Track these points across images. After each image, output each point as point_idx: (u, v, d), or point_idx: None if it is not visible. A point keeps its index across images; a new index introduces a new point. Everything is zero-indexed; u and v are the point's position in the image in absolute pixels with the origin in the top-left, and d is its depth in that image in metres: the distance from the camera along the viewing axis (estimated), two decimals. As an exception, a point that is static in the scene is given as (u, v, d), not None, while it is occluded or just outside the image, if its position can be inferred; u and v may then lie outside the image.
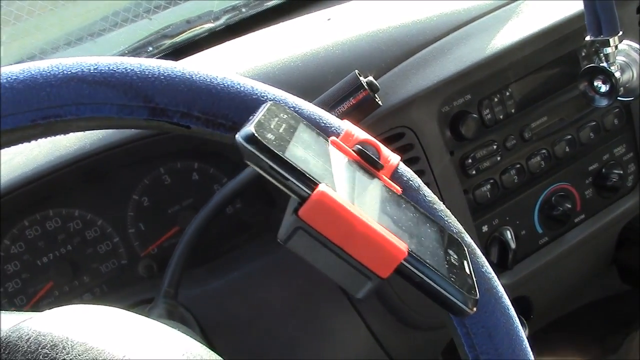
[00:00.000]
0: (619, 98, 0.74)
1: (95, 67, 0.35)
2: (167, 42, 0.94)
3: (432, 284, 0.27)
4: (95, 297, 0.71)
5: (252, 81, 0.37)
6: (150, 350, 0.31)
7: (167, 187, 0.71)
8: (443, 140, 0.75)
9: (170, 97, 0.35)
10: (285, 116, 0.31)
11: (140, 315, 0.35)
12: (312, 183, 0.26)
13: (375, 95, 0.63)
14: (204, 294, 0.70)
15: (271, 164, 0.26)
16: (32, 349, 0.30)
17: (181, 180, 0.72)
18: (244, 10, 0.98)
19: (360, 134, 0.36)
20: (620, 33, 0.71)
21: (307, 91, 0.58)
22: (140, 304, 0.67)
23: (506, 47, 0.75)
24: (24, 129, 0.34)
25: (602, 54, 0.72)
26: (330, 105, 0.61)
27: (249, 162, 0.27)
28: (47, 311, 0.33)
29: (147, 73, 0.35)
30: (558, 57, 0.81)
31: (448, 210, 0.38)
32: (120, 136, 0.66)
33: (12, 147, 0.36)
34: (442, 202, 0.38)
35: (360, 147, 0.33)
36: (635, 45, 0.75)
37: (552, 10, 0.79)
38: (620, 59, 0.74)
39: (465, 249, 0.33)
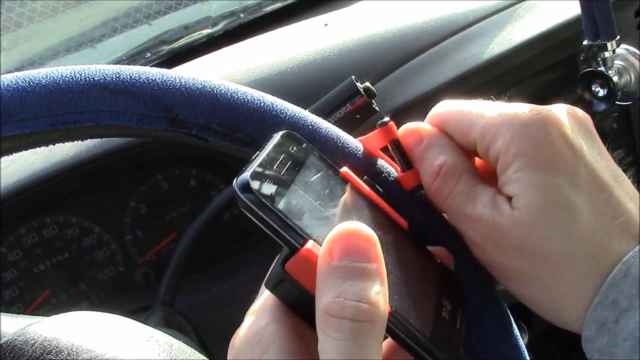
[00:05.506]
0: (617, 102, 0.74)
1: (118, 75, 0.35)
2: (166, 48, 0.94)
3: (412, 344, 0.27)
4: (92, 305, 0.70)
5: (272, 97, 0.37)
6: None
7: (164, 193, 0.71)
8: (441, 146, 0.74)
9: (190, 109, 0.35)
10: (295, 148, 0.31)
11: (147, 325, 0.35)
12: (301, 238, 0.27)
13: (373, 101, 0.63)
14: (203, 301, 0.69)
15: (263, 216, 0.27)
16: (37, 354, 0.30)
17: (179, 186, 0.72)
18: (242, 15, 0.98)
19: (377, 155, 0.36)
20: (618, 37, 0.70)
21: (303, 97, 0.58)
22: (137, 312, 0.67)
23: (504, 52, 0.75)
24: (43, 133, 0.34)
25: (599, 58, 0.72)
26: (326, 112, 0.61)
27: (242, 210, 0.27)
28: (54, 316, 0.33)
29: (168, 84, 0.35)
30: (556, 62, 0.81)
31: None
32: (118, 143, 0.66)
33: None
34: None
35: (369, 179, 0.33)
36: (633, 49, 0.74)
37: (550, 15, 0.79)
38: (618, 63, 0.74)
39: (464, 297, 0.33)
